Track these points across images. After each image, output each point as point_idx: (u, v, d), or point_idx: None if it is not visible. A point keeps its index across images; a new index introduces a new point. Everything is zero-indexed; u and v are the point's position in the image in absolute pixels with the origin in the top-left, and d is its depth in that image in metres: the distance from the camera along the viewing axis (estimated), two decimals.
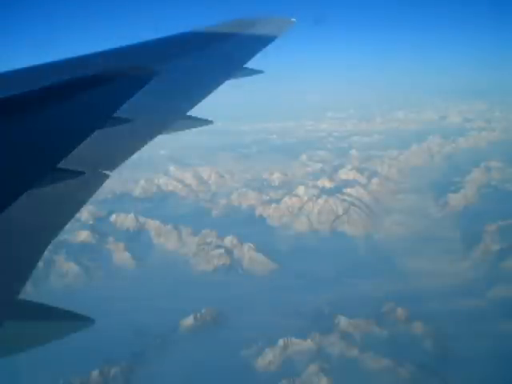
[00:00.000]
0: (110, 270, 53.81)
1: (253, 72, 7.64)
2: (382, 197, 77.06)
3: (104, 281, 51.95)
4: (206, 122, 5.55)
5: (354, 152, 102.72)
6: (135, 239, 62.03)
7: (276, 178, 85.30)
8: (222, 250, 57.06)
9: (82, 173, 3.95)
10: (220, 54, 8.04)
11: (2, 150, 4.00)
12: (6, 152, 4.03)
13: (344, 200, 71.30)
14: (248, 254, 56.79)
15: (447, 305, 44.24)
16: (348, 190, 74.97)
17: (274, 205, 71.48)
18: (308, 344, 40.08)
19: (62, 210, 2.99)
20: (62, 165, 3.53)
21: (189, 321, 43.74)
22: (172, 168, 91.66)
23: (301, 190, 75.14)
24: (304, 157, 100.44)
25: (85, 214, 63.97)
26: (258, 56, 7.88)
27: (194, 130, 5.48)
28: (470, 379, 35.39)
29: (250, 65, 7.52)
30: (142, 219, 65.73)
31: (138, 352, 39.70)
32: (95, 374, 36.96)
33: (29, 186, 3.96)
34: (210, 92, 5.83)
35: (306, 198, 72.57)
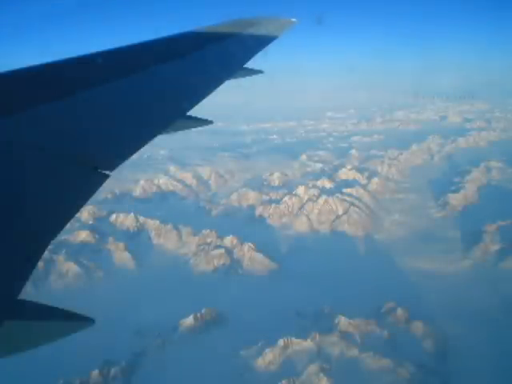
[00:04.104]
0: (110, 270, 53.82)
1: (253, 72, 7.64)
2: (382, 197, 77.07)
3: (104, 281, 51.98)
4: (206, 121, 5.55)
5: (354, 152, 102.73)
6: (135, 239, 62.03)
7: (276, 177, 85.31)
8: (222, 250, 57.04)
9: (210, 122, 4.42)
10: (220, 54, 8.04)
11: (141, 95, 4.40)
12: (143, 98, 4.42)
13: (344, 200, 71.28)
14: (248, 253, 56.78)
15: (447, 305, 44.28)
16: (348, 190, 74.96)
17: (273, 205, 71.48)
18: (308, 344, 40.08)
19: (62, 209, 2.99)
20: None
21: (189, 321, 43.74)
22: (172, 168, 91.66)
23: (301, 189, 75.12)
24: (304, 157, 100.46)
25: (85, 214, 64.01)
26: (258, 56, 7.88)
27: (193, 130, 5.48)
28: (470, 379, 35.41)
29: (249, 65, 7.52)
30: (141, 219, 65.72)
31: (138, 352, 39.75)
32: (95, 373, 36.97)
33: (161, 130, 4.18)
34: (209, 92, 5.83)
35: (306, 198, 72.57)
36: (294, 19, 10.73)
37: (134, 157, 3.96)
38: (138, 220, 65.63)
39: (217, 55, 7.75)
